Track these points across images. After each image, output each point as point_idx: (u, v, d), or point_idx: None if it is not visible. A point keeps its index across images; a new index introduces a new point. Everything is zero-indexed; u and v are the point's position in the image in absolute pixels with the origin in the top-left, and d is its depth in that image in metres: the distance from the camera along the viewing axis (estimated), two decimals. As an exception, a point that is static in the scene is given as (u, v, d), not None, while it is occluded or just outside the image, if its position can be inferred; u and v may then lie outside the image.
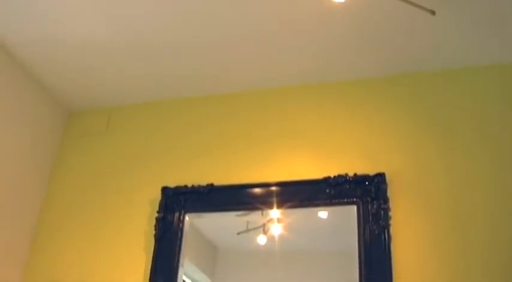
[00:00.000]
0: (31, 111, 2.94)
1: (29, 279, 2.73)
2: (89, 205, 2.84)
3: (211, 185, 2.60)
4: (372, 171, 2.39)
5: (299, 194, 2.46)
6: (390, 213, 2.29)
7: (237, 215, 2.58)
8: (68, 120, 3.19)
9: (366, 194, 2.36)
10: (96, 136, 3.06)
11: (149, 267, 2.50)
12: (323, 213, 2.49)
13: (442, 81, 2.62)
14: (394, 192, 2.35)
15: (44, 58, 2.81)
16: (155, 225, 2.58)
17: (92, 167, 2.97)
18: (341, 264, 2.48)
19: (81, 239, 2.75)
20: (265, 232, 2.58)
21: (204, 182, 2.61)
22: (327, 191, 2.41)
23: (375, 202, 2.32)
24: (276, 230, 2.56)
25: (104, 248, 2.69)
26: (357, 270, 2.24)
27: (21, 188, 2.81)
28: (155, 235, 2.56)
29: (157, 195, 2.65)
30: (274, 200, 2.49)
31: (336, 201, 2.40)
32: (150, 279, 2.46)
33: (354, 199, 2.37)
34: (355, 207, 2.35)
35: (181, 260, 2.50)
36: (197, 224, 2.65)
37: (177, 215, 2.58)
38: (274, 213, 2.52)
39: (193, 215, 2.61)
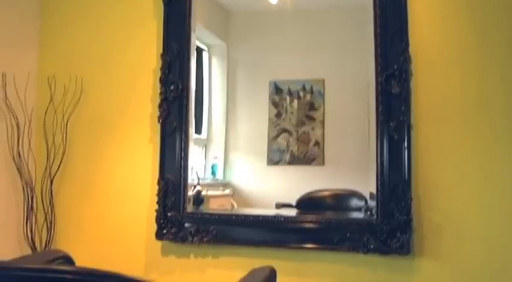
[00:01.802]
0: None
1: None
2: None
3: None
4: None
5: None
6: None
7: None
8: None
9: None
10: None
11: (161, 38, 2.45)
12: (336, -34, 2.36)
13: None
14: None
15: None
16: (163, -10, 2.49)
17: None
18: (355, 20, 2.44)
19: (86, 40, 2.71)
20: (276, -10, 2.50)
21: None
22: None
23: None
24: (288, -14, 2.47)
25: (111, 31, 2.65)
26: (372, 24, 2.17)
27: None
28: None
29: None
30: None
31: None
32: (162, 55, 2.43)
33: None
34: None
35: (192, 24, 2.44)
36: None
37: (185, -28, 2.46)
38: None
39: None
